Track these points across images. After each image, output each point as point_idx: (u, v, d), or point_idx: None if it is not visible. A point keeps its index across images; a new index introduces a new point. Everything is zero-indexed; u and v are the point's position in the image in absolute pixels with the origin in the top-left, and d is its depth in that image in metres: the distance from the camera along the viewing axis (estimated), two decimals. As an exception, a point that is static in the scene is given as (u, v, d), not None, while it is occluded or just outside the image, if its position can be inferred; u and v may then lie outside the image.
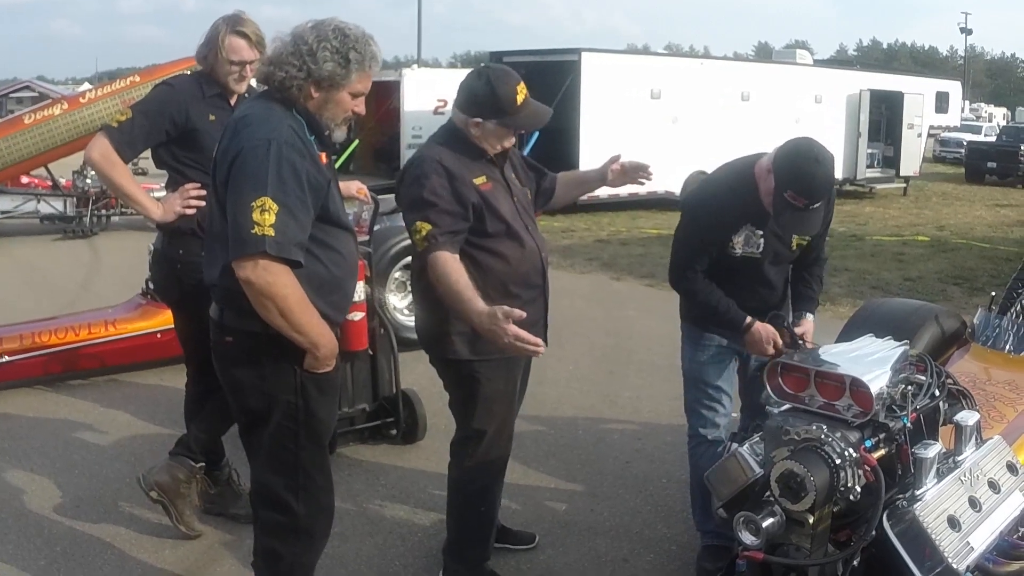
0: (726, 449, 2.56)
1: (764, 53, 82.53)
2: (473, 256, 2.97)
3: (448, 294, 2.87)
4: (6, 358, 5.37)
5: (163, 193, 3.77)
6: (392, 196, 6.87)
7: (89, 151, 3.56)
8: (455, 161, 2.96)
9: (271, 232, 2.36)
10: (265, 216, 2.36)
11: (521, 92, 2.97)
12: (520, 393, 3.34)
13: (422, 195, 2.90)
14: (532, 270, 3.10)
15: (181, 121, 3.57)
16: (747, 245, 3.20)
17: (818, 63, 23.33)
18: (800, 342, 3.15)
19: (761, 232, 3.19)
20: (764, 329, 3.16)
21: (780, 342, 3.16)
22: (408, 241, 6.16)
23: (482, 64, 3.66)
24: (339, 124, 2.65)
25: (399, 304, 6.61)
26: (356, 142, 15.86)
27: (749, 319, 3.17)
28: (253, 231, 2.35)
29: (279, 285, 2.40)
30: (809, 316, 3.37)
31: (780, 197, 2.96)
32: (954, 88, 26.02)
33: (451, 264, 2.88)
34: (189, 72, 3.88)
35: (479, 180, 2.97)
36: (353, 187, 4.44)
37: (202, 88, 3.64)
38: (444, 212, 2.89)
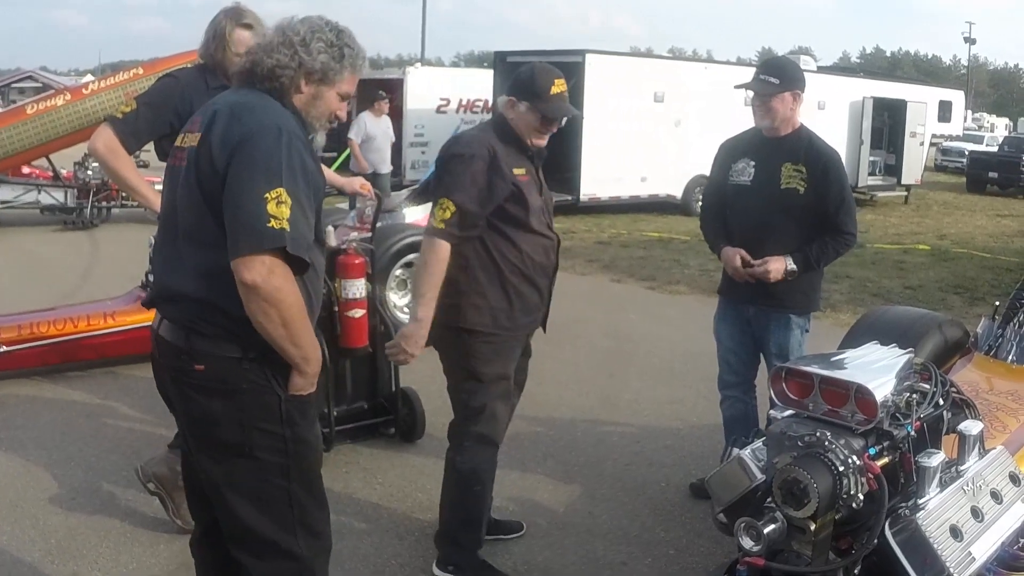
0: (728, 454, 2.56)
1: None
2: (490, 240, 3.15)
3: (421, 279, 3.10)
4: (4, 348, 5.37)
5: (165, 186, 3.76)
6: (395, 194, 6.83)
7: (93, 142, 3.55)
8: (503, 149, 3.16)
9: (287, 227, 2.10)
10: (282, 209, 2.10)
11: (558, 86, 3.19)
12: (519, 383, 3.49)
13: (464, 176, 3.06)
14: (545, 261, 3.28)
15: (185, 113, 3.54)
16: (741, 174, 3.84)
17: (821, 70, 23.34)
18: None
19: (754, 163, 3.80)
20: (728, 250, 3.84)
21: (738, 263, 3.77)
22: (410, 239, 6.25)
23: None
24: (322, 126, 2.44)
25: (399, 302, 6.60)
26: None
27: (724, 245, 3.87)
28: (270, 224, 2.08)
29: (286, 291, 2.15)
30: (783, 258, 3.69)
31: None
32: (957, 97, 26.03)
33: (443, 255, 3.07)
34: (191, 65, 3.87)
35: (519, 171, 3.18)
36: (356, 183, 4.44)
37: (206, 80, 3.63)
38: (473, 201, 3.06)
